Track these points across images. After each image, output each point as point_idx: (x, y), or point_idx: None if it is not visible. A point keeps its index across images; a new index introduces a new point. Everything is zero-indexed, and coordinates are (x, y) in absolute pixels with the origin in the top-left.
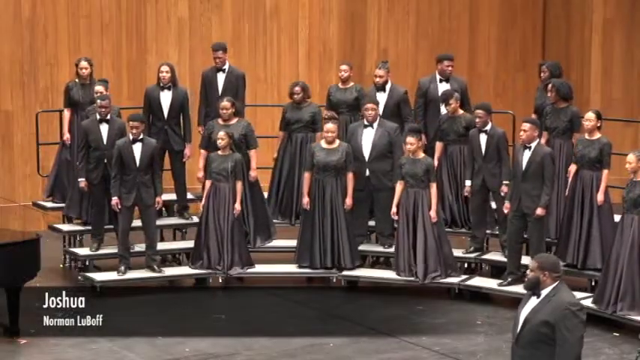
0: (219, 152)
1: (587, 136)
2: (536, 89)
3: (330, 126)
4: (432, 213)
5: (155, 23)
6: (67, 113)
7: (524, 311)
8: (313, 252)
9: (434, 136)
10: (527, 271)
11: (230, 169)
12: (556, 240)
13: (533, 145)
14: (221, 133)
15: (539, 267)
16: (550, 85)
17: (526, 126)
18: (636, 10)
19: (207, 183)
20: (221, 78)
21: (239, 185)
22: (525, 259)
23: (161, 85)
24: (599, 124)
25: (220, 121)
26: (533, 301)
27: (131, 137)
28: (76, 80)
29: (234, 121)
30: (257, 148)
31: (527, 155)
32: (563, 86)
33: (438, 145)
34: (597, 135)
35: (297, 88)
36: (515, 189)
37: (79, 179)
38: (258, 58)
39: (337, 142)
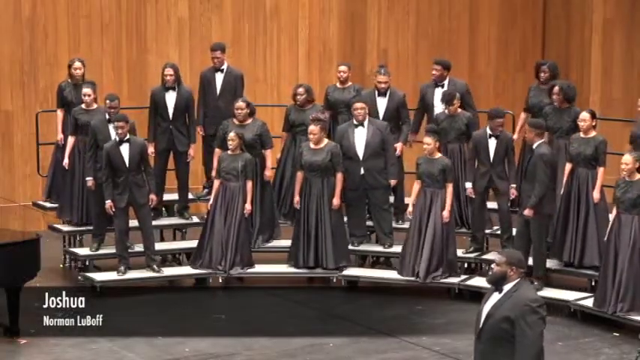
0: (229, 152)
1: (582, 135)
2: (529, 88)
3: (312, 128)
4: (446, 213)
5: (155, 23)
6: (59, 114)
7: (487, 306)
8: (297, 251)
9: None
10: (492, 266)
11: (240, 168)
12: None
13: (534, 146)
14: (231, 135)
15: (507, 262)
16: (557, 88)
17: (525, 128)
18: (636, 10)
19: (216, 182)
20: (219, 78)
21: (249, 185)
22: (528, 260)
23: (166, 86)
24: (594, 123)
25: (235, 121)
26: (496, 297)
27: (117, 139)
28: (69, 81)
29: (249, 121)
30: (272, 148)
31: (528, 157)
32: (570, 89)
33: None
34: (593, 133)
35: (301, 90)
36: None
37: (87, 178)
38: (258, 58)
39: (325, 142)
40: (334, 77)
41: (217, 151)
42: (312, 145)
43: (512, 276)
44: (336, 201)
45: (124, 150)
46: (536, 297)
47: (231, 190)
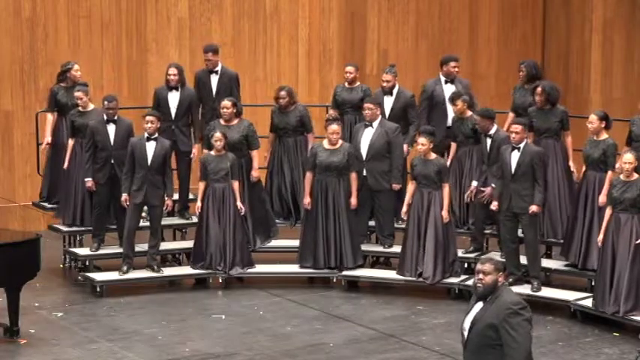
0: (213, 153)
1: (594, 137)
2: (514, 89)
3: (334, 127)
4: (445, 213)
5: (155, 23)
6: (50, 117)
7: (471, 314)
8: (317, 253)
9: (442, 137)
10: (480, 276)
11: (228, 168)
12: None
13: (521, 145)
14: (217, 135)
15: (495, 269)
16: (539, 89)
17: (518, 128)
18: (636, 10)
19: (202, 184)
20: (214, 80)
21: (237, 184)
22: (522, 259)
23: (169, 86)
24: (603, 125)
25: (222, 121)
26: (478, 305)
27: (146, 135)
28: (61, 84)
29: (236, 121)
30: (259, 149)
31: (516, 156)
32: (553, 90)
33: (453, 146)
34: (604, 136)
35: (283, 93)
36: (504, 189)
37: (86, 179)
38: (258, 58)
39: (340, 142)
40: (334, 77)
41: (206, 152)
42: (327, 146)
43: (501, 281)
44: (353, 201)
45: (150, 148)
46: (517, 300)
47: (221, 191)
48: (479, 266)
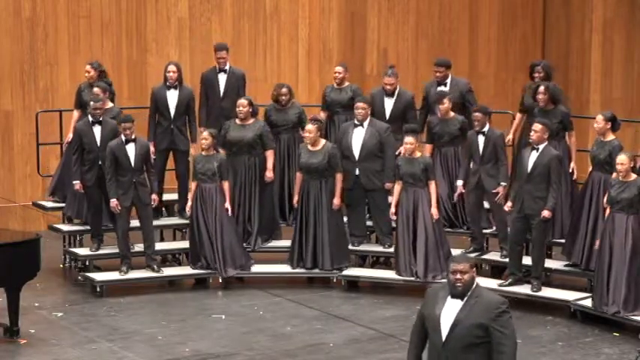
0: (203, 153)
1: (602, 138)
2: (523, 89)
3: (309, 127)
4: (434, 210)
5: (155, 23)
6: (75, 114)
7: (448, 314)
8: (293, 251)
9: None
10: (458, 276)
11: (215, 169)
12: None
13: (541, 146)
14: (205, 134)
15: (471, 266)
16: (542, 88)
17: (537, 127)
18: (636, 10)
19: (193, 184)
20: (222, 78)
21: (226, 185)
22: (526, 259)
23: (168, 84)
24: (608, 126)
25: (237, 120)
26: (456, 304)
27: (124, 139)
28: (88, 82)
29: (251, 121)
30: (274, 149)
31: (534, 157)
32: (556, 89)
33: (427, 147)
34: (610, 137)
35: (285, 90)
36: (518, 190)
37: (74, 181)
38: (258, 58)
39: (322, 143)
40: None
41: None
42: (309, 147)
43: (474, 278)
44: (336, 201)
45: (130, 149)
46: (502, 298)
47: (208, 192)
48: (455, 266)
